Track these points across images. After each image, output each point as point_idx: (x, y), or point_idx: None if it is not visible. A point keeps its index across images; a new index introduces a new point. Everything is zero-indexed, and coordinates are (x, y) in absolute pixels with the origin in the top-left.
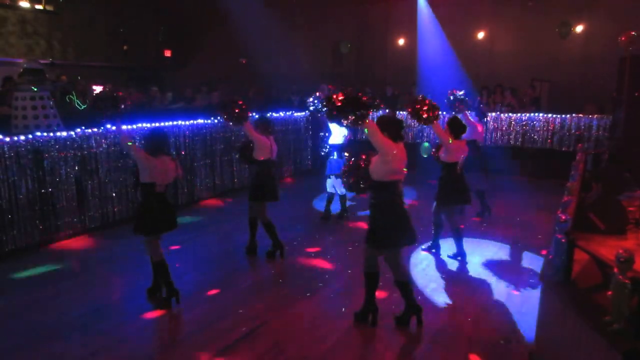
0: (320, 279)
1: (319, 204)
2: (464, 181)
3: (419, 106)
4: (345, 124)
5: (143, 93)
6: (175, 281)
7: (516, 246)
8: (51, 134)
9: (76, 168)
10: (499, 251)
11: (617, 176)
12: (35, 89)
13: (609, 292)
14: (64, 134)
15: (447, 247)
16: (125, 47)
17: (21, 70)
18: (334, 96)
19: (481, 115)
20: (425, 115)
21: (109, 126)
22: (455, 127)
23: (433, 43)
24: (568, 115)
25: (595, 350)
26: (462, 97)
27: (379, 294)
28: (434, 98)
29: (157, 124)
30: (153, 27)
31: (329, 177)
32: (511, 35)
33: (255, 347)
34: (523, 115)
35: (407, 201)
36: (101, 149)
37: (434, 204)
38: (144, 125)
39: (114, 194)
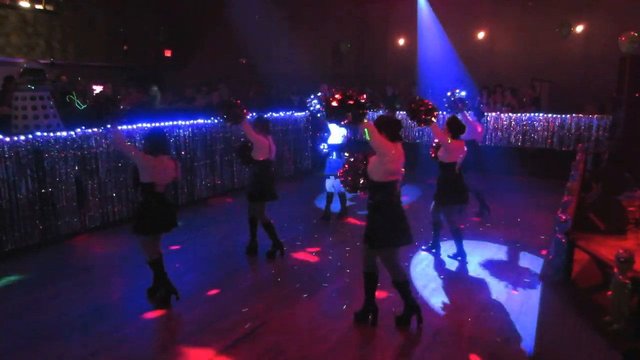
0: (320, 279)
1: (319, 204)
2: (462, 181)
3: (415, 107)
4: (343, 124)
5: (143, 93)
6: (175, 281)
7: (516, 246)
8: (51, 134)
9: (76, 168)
10: (499, 251)
11: (617, 176)
12: (33, 87)
13: (609, 292)
14: (64, 134)
15: (447, 247)
16: (125, 47)
17: (21, 70)
18: (331, 97)
19: (480, 115)
20: (422, 117)
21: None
22: (454, 127)
23: (433, 43)
24: (568, 115)
25: (595, 350)
26: (461, 97)
27: (379, 294)
28: (434, 98)
29: (157, 124)
30: (153, 27)
31: (329, 177)
32: (511, 35)
33: (255, 347)
34: (523, 115)
35: (407, 201)
36: (101, 149)
37: (432, 203)
38: (144, 125)
39: (114, 194)
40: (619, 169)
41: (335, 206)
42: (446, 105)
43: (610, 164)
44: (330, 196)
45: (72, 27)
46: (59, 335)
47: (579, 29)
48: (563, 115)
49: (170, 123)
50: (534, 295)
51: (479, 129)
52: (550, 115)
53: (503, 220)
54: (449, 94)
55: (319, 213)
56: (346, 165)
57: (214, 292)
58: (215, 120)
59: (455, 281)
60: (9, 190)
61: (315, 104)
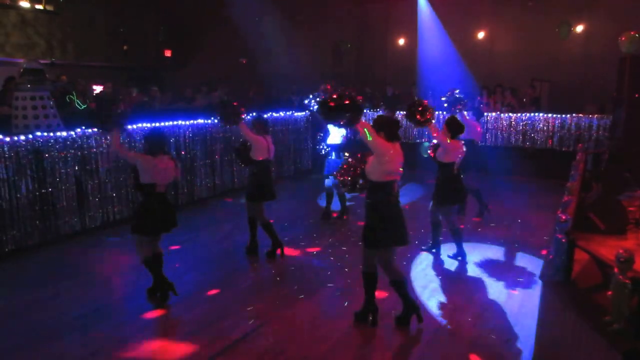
0: (320, 279)
1: (319, 204)
2: (460, 181)
3: (413, 108)
4: (340, 125)
5: (143, 93)
6: (175, 281)
7: (516, 246)
8: (51, 134)
9: (76, 168)
10: (499, 251)
11: (617, 176)
12: (30, 86)
13: (609, 292)
14: (64, 134)
15: (447, 247)
16: (125, 47)
17: (21, 70)
18: (327, 97)
19: (479, 115)
20: (419, 117)
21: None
22: (453, 127)
23: (433, 43)
24: (568, 115)
25: (595, 350)
26: (459, 96)
27: (379, 294)
28: (434, 98)
29: (157, 124)
30: (153, 27)
31: (328, 177)
32: (511, 35)
33: (255, 347)
34: (523, 115)
35: (407, 201)
36: (101, 149)
37: (431, 203)
38: (144, 125)
39: (114, 194)
40: (619, 169)
41: (335, 206)
42: (445, 105)
43: (610, 164)
44: (330, 196)
45: (72, 27)
46: (59, 335)
47: (579, 29)
48: (563, 115)
49: (170, 123)
50: (534, 296)
51: (478, 129)
52: (550, 115)
53: (503, 220)
54: (448, 93)
55: (319, 213)
56: (344, 166)
57: (214, 292)
58: (215, 121)
59: (455, 281)
60: (9, 190)
61: (312, 105)
